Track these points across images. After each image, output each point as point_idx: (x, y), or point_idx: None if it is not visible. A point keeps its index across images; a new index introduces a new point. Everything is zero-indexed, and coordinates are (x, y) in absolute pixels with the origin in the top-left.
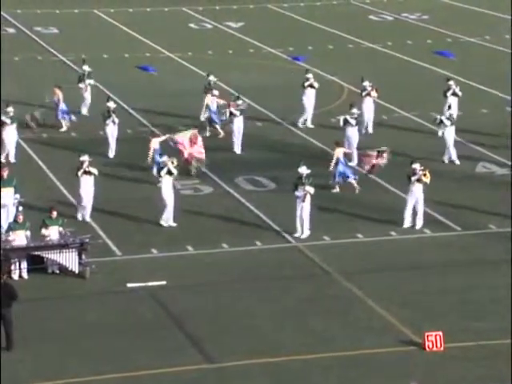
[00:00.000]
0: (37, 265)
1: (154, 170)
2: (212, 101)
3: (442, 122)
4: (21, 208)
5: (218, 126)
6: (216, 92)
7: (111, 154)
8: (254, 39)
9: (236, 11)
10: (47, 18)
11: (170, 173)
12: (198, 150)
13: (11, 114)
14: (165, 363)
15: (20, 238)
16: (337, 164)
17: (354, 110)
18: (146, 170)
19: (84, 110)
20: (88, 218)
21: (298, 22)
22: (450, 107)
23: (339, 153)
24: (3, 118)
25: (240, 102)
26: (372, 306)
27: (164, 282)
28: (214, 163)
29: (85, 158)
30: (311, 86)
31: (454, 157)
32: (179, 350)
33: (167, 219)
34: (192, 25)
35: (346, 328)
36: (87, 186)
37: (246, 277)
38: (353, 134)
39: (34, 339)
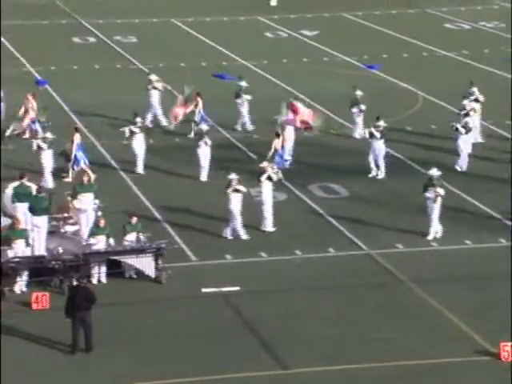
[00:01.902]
0: (115, 269)
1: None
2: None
3: (457, 129)
4: (100, 213)
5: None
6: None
7: (203, 178)
8: (328, 47)
9: (311, 20)
10: (127, 28)
11: (269, 178)
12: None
13: (139, 124)
14: (238, 368)
15: (101, 243)
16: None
17: (381, 123)
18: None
19: (238, 126)
20: (244, 235)
21: (372, 31)
22: (467, 114)
23: (277, 143)
24: (133, 128)
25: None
26: (446, 314)
27: (238, 288)
28: (288, 171)
29: (233, 176)
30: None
31: (464, 166)
32: (253, 356)
33: (267, 225)
34: (267, 33)
35: (419, 337)
36: (236, 204)
37: (319, 284)
38: (378, 146)
39: (111, 342)
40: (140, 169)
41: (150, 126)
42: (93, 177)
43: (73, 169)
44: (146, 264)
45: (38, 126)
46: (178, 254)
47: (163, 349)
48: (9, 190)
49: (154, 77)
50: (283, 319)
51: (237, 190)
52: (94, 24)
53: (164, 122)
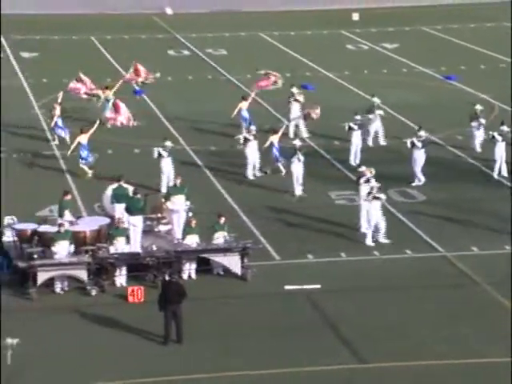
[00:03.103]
0: (204, 266)
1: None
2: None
3: (493, 137)
4: (191, 214)
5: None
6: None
7: (297, 192)
8: (407, 59)
9: (391, 33)
10: (217, 41)
11: (368, 181)
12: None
13: (253, 131)
14: (318, 362)
15: (191, 241)
16: (271, 149)
17: (422, 133)
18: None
19: (370, 141)
20: (382, 239)
21: (450, 43)
22: (502, 123)
23: (274, 138)
24: (247, 135)
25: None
26: None
27: (319, 286)
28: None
29: (373, 184)
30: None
31: (504, 172)
32: (332, 350)
33: (362, 225)
34: (349, 46)
35: (492, 337)
36: (376, 211)
37: (396, 283)
38: (419, 156)
39: (200, 334)
40: (249, 174)
41: (292, 136)
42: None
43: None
44: (232, 262)
45: (59, 131)
46: (262, 253)
47: (248, 342)
48: (108, 192)
49: (295, 89)
50: (362, 316)
51: (376, 198)
52: (188, 38)
53: (304, 133)
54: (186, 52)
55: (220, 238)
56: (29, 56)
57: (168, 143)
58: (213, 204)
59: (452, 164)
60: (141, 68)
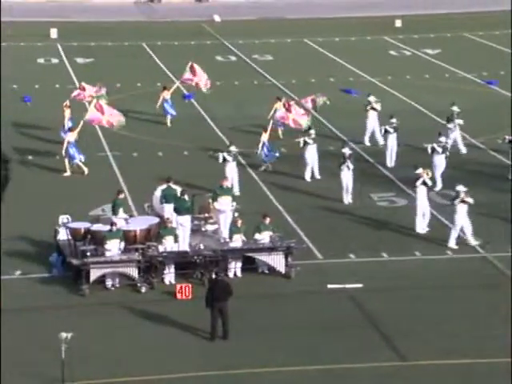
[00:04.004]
0: (249, 265)
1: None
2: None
3: (510, 142)
4: (237, 214)
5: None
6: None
7: (346, 200)
8: (449, 65)
9: (433, 39)
10: (263, 47)
11: (424, 183)
12: (298, 113)
13: (313, 135)
14: (360, 359)
15: (237, 241)
16: (262, 147)
17: (442, 139)
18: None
19: (463, 149)
20: (473, 242)
21: (491, 49)
22: None
23: (265, 137)
24: (307, 139)
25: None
26: None
27: (361, 285)
28: (408, 178)
29: (461, 188)
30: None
31: None
32: (374, 348)
33: (422, 227)
34: (392, 52)
35: None
36: (462, 214)
37: (436, 283)
38: (439, 161)
39: (245, 331)
40: (307, 176)
41: (368, 144)
42: (86, 171)
43: (70, 164)
44: (277, 261)
45: (63, 134)
46: (306, 252)
47: (291, 338)
48: (157, 192)
49: (372, 98)
50: (403, 314)
51: (464, 202)
52: (235, 44)
53: (381, 141)
54: (232, 58)
55: (265, 237)
56: (83, 62)
57: (233, 148)
58: (258, 204)
59: (492, 167)
60: (198, 69)
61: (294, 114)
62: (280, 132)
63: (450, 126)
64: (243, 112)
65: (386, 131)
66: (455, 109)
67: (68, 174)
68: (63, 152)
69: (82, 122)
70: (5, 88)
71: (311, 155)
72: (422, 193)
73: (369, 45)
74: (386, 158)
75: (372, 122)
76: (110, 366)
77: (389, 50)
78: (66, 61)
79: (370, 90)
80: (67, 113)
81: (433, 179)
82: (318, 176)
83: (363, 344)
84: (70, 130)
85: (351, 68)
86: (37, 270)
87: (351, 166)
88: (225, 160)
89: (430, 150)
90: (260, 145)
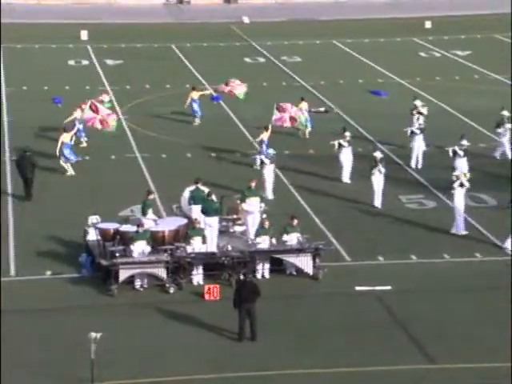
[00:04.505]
0: (277, 266)
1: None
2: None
3: None
4: (264, 215)
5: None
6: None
7: (377, 204)
8: (479, 66)
9: (463, 41)
10: (292, 49)
11: (461, 185)
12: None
13: (348, 138)
14: (388, 361)
15: (265, 242)
16: (261, 145)
17: (464, 142)
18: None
19: (497, 155)
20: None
21: None
22: None
23: (265, 136)
24: (342, 141)
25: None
26: None
27: (389, 287)
28: (439, 180)
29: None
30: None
31: None
32: (402, 350)
33: (459, 229)
34: (422, 53)
35: None
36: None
37: (465, 285)
38: (461, 164)
39: (273, 332)
40: (346, 178)
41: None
42: (70, 173)
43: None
44: (304, 262)
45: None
46: (333, 254)
47: (319, 340)
48: (186, 193)
49: (418, 102)
50: (432, 317)
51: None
52: (264, 46)
53: (423, 147)
54: (261, 59)
55: (293, 239)
56: (113, 63)
57: (271, 150)
58: (286, 206)
59: None
60: (234, 81)
61: (290, 112)
62: (307, 132)
63: (500, 130)
64: (271, 113)
65: (413, 132)
66: (505, 113)
67: (71, 173)
68: (57, 152)
69: (76, 125)
70: (36, 90)
71: (346, 157)
72: (459, 195)
73: (398, 46)
74: (412, 159)
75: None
76: (138, 367)
77: (418, 52)
78: (96, 62)
79: (399, 92)
80: (78, 113)
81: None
82: (348, 180)
83: (392, 346)
84: (65, 130)
85: (380, 69)
86: (67, 270)
87: (383, 170)
88: (262, 163)
89: (451, 153)
90: (258, 140)
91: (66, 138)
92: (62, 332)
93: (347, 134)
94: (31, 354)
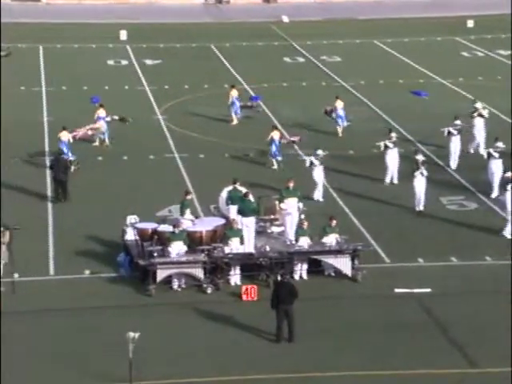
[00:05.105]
0: (315, 267)
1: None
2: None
3: None
4: (303, 216)
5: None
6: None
7: (418, 208)
8: None
9: (506, 40)
10: (332, 48)
11: None
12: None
13: (394, 139)
14: (428, 364)
15: (303, 243)
16: (271, 144)
17: (499, 144)
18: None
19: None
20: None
21: None
22: None
23: (275, 134)
24: (387, 142)
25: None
26: None
27: (429, 290)
28: (478, 181)
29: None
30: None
31: None
32: (443, 354)
33: (507, 231)
34: (464, 53)
35: None
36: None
37: (507, 289)
38: (496, 166)
39: (311, 334)
40: (390, 179)
41: (472, 151)
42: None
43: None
44: (343, 263)
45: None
46: (372, 255)
47: (357, 342)
48: (223, 194)
49: (479, 104)
50: (473, 320)
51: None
52: (303, 45)
53: (482, 149)
54: (300, 59)
55: (331, 239)
56: (152, 63)
57: (320, 152)
58: (325, 206)
59: None
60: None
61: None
62: (339, 130)
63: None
64: (310, 114)
65: (450, 133)
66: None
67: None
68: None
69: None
70: (75, 90)
71: (392, 159)
72: (510, 197)
73: (439, 46)
74: (450, 160)
75: (480, 130)
76: (175, 367)
77: (460, 51)
78: (135, 62)
79: (440, 92)
80: (100, 111)
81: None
82: (395, 181)
83: (431, 349)
84: (64, 128)
85: (421, 69)
86: (105, 269)
87: (425, 173)
88: (312, 164)
89: (486, 156)
90: (268, 140)
91: (64, 136)
92: (99, 331)
93: (393, 135)
94: (70, 352)
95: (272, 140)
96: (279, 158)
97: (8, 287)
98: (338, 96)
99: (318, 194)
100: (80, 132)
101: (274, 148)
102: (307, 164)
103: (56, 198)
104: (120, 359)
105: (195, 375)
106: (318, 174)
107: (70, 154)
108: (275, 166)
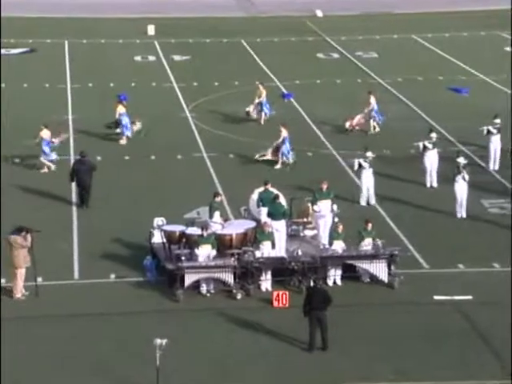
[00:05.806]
0: (350, 273)
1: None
2: None
3: None
4: (337, 219)
5: None
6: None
7: (459, 214)
8: None
9: None
10: (368, 44)
11: None
12: None
13: (434, 139)
14: (467, 376)
15: (338, 247)
16: (283, 143)
17: None
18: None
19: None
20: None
21: None
22: None
23: (285, 133)
24: (426, 143)
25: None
26: None
27: (470, 297)
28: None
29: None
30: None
31: None
32: (483, 364)
33: None
34: (508, 48)
35: None
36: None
37: None
38: None
39: (345, 341)
40: (428, 182)
41: None
42: (44, 171)
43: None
44: (379, 269)
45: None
46: (410, 261)
47: (394, 351)
48: (254, 195)
49: None
50: None
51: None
52: (338, 41)
53: None
54: (335, 55)
55: (367, 244)
56: (180, 59)
57: (369, 154)
58: (360, 209)
59: None
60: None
61: None
62: (372, 125)
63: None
64: (346, 112)
65: (489, 132)
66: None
67: (45, 171)
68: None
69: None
70: (102, 86)
71: (430, 160)
72: None
73: (482, 41)
74: (489, 160)
75: None
76: (202, 374)
77: (504, 47)
78: (162, 58)
79: (482, 89)
80: (120, 108)
81: None
82: (434, 183)
83: (470, 359)
84: (46, 127)
85: (462, 65)
86: (131, 273)
87: (467, 177)
88: (360, 166)
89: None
90: (280, 140)
91: (45, 133)
92: (126, 337)
93: (433, 135)
94: (96, 358)
95: (284, 139)
96: (290, 158)
97: (31, 291)
98: (371, 91)
99: (362, 199)
100: None
101: (287, 146)
102: (356, 167)
103: (81, 202)
104: (147, 366)
105: (223, 382)
106: (367, 177)
107: (51, 154)
108: (278, 166)
